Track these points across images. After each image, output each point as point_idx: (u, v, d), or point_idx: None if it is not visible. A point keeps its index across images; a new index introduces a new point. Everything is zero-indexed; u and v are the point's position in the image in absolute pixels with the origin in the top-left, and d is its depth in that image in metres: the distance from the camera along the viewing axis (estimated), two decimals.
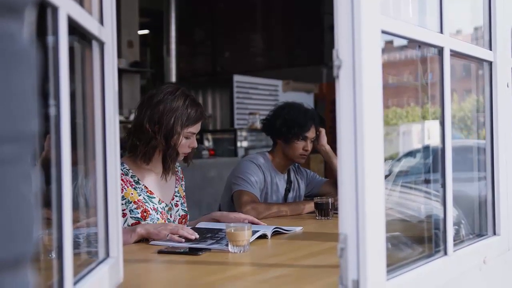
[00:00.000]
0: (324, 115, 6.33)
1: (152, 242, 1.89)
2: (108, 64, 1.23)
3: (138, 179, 2.14)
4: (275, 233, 2.05)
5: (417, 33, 1.34)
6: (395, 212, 1.54)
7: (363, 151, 1.04)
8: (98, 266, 1.17)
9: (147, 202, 2.11)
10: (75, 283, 0.96)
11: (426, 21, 1.54)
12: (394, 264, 1.21)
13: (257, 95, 7.74)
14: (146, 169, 2.17)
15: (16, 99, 0.62)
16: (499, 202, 1.69)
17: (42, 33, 0.86)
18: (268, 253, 1.83)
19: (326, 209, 2.46)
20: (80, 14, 1.00)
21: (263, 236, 1.97)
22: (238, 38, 9.26)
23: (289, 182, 2.88)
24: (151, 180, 2.17)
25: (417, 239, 1.55)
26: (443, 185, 1.41)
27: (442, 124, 1.42)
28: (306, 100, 6.81)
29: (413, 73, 1.75)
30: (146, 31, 9.87)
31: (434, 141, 1.57)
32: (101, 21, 1.21)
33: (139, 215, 2.07)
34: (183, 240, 1.85)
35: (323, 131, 2.87)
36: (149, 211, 2.10)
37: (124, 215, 2.05)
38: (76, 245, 1.00)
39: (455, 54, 1.46)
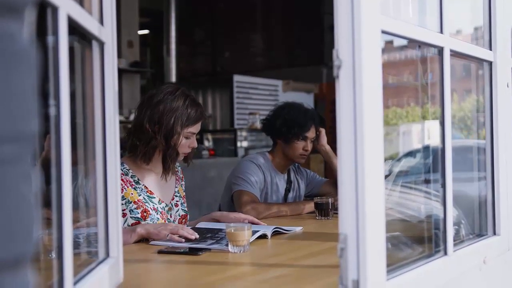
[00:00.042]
0: (324, 115, 6.32)
1: (152, 242, 1.89)
2: (108, 64, 1.23)
3: (138, 179, 2.13)
4: (275, 233, 2.05)
5: (417, 33, 1.34)
6: (395, 212, 1.54)
7: (363, 151, 1.04)
8: (98, 266, 1.17)
9: (147, 202, 2.11)
10: (75, 283, 0.96)
11: (426, 21, 1.54)
12: (394, 264, 1.21)
13: (257, 95, 7.74)
14: (146, 169, 2.17)
15: (16, 99, 0.62)
16: (499, 202, 1.69)
17: (42, 33, 0.86)
18: (268, 253, 1.83)
19: (326, 209, 2.46)
20: (80, 14, 1.00)
21: (263, 236, 1.97)
22: (238, 38, 9.26)
23: (289, 182, 2.88)
24: (151, 180, 2.17)
25: (417, 239, 1.55)
26: (443, 185, 1.41)
27: (442, 124, 1.42)
28: (306, 100, 6.81)
29: (413, 73, 1.75)
30: (146, 31, 9.88)
31: (434, 141, 1.57)
32: (101, 21, 1.21)
33: (139, 215, 2.07)
34: (183, 240, 1.85)
35: (323, 131, 2.87)
36: (149, 211, 2.10)
37: (124, 215, 2.05)
38: (76, 245, 1.00)
39: (455, 54, 1.46)
